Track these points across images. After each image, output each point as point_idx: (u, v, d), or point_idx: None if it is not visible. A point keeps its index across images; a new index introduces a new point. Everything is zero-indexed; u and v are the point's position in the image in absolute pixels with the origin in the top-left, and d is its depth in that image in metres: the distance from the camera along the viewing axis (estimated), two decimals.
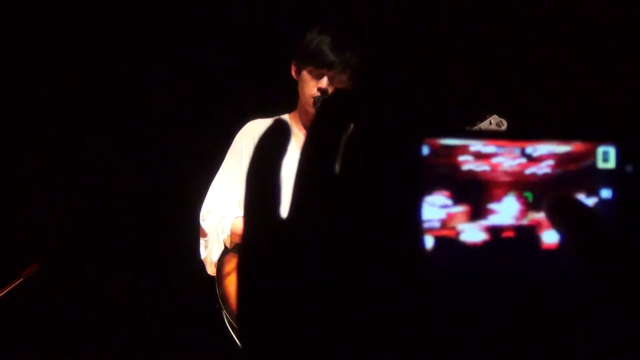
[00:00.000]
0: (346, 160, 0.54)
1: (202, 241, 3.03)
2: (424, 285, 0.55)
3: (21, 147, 4.01)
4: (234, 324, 2.88)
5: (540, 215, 0.60)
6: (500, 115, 2.66)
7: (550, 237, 0.59)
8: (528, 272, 0.59)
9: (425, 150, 0.60)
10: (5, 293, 3.06)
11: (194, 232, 3.08)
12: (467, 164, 0.61)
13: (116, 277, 3.98)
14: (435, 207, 0.60)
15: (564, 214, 0.59)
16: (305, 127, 3.02)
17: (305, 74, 2.91)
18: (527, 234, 0.60)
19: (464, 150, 0.61)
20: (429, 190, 0.59)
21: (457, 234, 0.60)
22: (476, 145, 0.61)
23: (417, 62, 3.59)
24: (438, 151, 0.60)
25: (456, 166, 0.61)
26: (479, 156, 0.61)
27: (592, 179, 0.60)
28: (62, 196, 4.00)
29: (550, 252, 0.59)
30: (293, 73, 2.97)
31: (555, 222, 0.59)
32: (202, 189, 3.06)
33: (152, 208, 4.00)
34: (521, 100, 3.28)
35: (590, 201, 0.60)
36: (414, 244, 0.56)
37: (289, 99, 3.08)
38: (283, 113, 3.10)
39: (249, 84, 3.83)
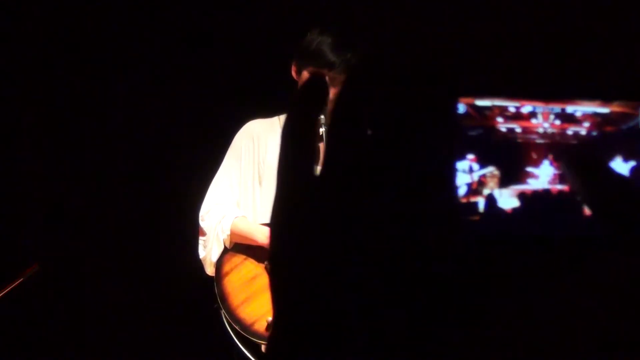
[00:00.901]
0: (379, 121, 0.53)
1: (201, 241, 3.03)
2: (460, 249, 0.54)
3: (21, 147, 4.01)
4: (232, 323, 2.88)
5: None
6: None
7: None
8: (569, 238, 0.58)
9: (462, 109, 0.58)
10: (5, 293, 3.06)
11: (193, 232, 3.07)
12: (502, 125, 0.59)
13: (115, 277, 3.98)
14: (464, 172, 0.58)
15: (584, 174, 0.58)
16: None
17: (305, 74, 2.91)
18: (566, 199, 0.59)
19: (498, 111, 0.59)
20: (462, 153, 0.58)
21: (489, 199, 0.58)
22: (511, 106, 0.59)
23: (450, 22, 3.49)
24: (471, 112, 0.59)
25: (490, 128, 0.59)
26: (514, 117, 0.60)
27: (636, 140, 0.59)
28: (62, 196, 4.00)
29: (590, 218, 0.58)
30: (293, 73, 2.97)
31: (574, 182, 0.58)
32: (201, 189, 3.06)
33: (151, 208, 4.00)
34: (562, 59, 3.17)
35: (631, 163, 0.59)
36: (450, 206, 0.55)
37: (288, 99, 3.07)
38: (283, 113, 3.10)
39: (249, 83, 3.83)
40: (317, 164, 0.56)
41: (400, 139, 0.54)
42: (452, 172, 0.57)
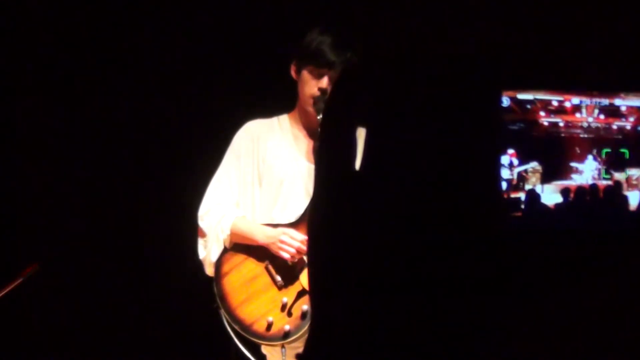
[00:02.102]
0: (421, 118, 0.52)
1: (200, 241, 3.03)
2: (503, 242, 0.53)
3: (21, 147, 4.00)
4: (232, 323, 2.88)
5: (620, 175, 0.59)
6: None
7: (634, 198, 0.58)
8: (614, 233, 0.58)
9: (506, 102, 0.58)
10: (5, 293, 3.05)
11: (193, 232, 3.07)
12: (544, 119, 0.59)
13: (115, 277, 3.97)
14: (504, 167, 0.58)
15: None
16: (304, 126, 3.02)
17: (305, 73, 2.92)
18: (612, 195, 0.59)
19: (541, 104, 0.59)
20: (503, 147, 0.57)
21: (530, 195, 0.58)
22: (554, 100, 0.59)
23: (495, 12, 3.42)
24: (512, 106, 0.58)
25: (532, 122, 0.59)
26: (557, 111, 0.60)
27: None
28: (62, 196, 3.99)
29: (636, 213, 0.58)
30: (293, 73, 2.98)
31: None
32: (200, 189, 3.06)
33: (151, 208, 3.99)
34: (608, 51, 3.09)
35: None
36: (494, 200, 0.54)
37: (288, 99, 3.09)
38: (282, 113, 3.11)
39: (248, 83, 3.83)
40: (356, 162, 0.56)
41: (444, 136, 0.54)
42: (496, 168, 0.57)
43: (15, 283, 3.08)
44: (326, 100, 0.63)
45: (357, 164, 0.56)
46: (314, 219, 0.57)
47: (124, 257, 3.98)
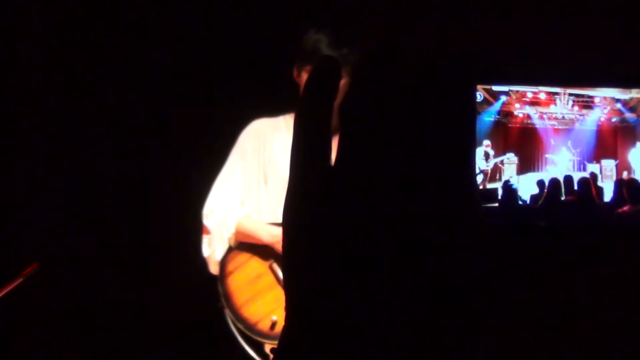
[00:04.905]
0: (394, 112, 0.51)
1: (205, 239, 3.04)
2: (476, 241, 0.51)
3: (20, 147, 4.01)
4: (236, 322, 2.88)
5: (594, 166, 0.57)
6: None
7: (607, 188, 0.56)
8: (590, 225, 0.56)
9: (480, 97, 0.56)
10: (5, 293, 3.05)
11: (196, 231, 3.07)
12: (519, 110, 0.57)
13: (117, 276, 3.98)
14: (481, 158, 0.56)
15: None
16: None
17: (304, 75, 2.93)
18: (586, 186, 0.57)
19: (515, 96, 0.57)
20: (478, 139, 0.55)
21: (507, 187, 0.56)
22: (529, 91, 0.57)
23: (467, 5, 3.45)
24: (487, 97, 0.56)
25: (507, 113, 0.57)
26: (531, 103, 0.58)
27: None
28: (61, 196, 3.99)
29: (610, 204, 0.56)
30: (295, 77, 2.99)
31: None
32: (204, 187, 3.06)
33: (153, 206, 4.00)
34: (582, 44, 3.11)
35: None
36: (467, 196, 0.52)
37: (295, 98, 3.08)
38: (288, 113, 3.11)
39: (254, 81, 3.83)
40: (331, 155, 0.54)
41: (416, 130, 0.52)
42: (471, 162, 0.55)
43: (15, 283, 3.08)
44: (299, 94, 0.62)
45: (333, 158, 0.54)
46: (289, 217, 0.55)
47: (125, 257, 3.99)
